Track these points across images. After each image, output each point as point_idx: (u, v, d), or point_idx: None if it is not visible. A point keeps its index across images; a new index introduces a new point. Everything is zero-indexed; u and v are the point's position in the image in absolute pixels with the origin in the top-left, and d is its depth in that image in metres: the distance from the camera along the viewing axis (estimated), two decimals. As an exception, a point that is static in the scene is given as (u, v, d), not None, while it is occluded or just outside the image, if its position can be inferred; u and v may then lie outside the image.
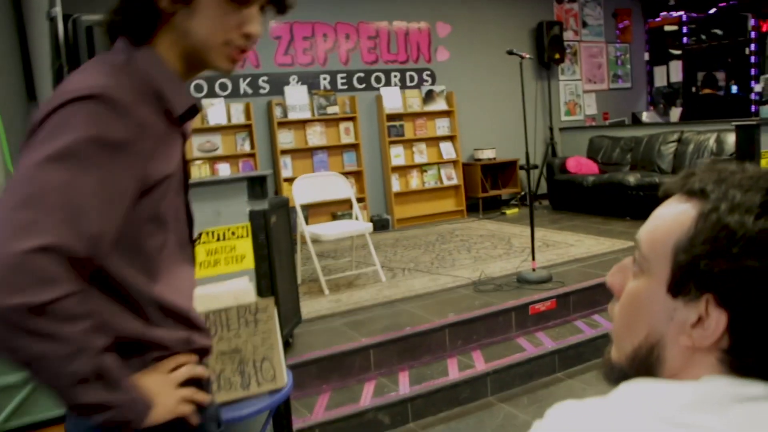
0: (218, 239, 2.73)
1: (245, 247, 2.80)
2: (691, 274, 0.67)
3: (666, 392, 0.66)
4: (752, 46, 9.69)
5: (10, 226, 0.93)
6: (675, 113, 10.13)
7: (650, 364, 0.71)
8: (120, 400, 1.03)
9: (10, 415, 1.64)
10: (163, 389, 1.11)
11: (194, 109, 1.21)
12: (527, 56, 4.97)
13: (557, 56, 9.26)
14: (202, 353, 1.24)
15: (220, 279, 2.64)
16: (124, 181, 1.04)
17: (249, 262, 2.80)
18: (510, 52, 4.95)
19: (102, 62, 1.12)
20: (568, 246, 5.96)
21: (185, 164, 1.27)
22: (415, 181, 8.38)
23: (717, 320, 0.66)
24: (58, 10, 2.41)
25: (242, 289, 2.56)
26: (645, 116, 10.02)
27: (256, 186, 2.85)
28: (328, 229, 5.15)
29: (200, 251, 2.70)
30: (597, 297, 4.63)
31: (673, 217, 0.71)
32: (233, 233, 2.76)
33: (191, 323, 1.22)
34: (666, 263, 0.70)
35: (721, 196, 0.67)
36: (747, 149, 5.04)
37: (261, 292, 2.78)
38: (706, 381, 0.66)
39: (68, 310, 0.95)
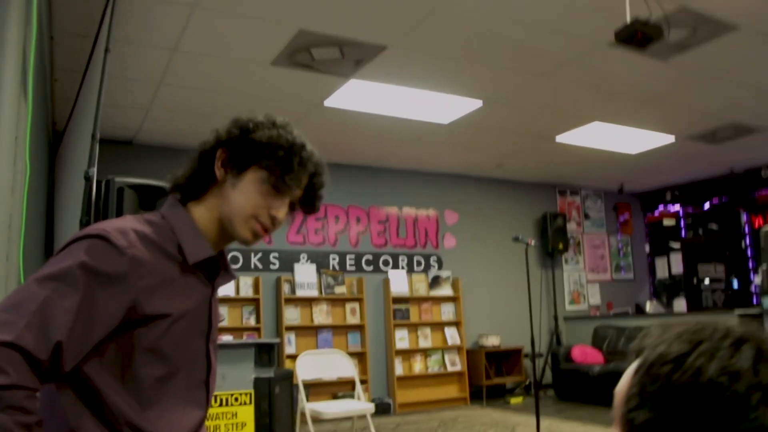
0: (220, 404, 2.70)
1: (247, 414, 2.76)
2: (629, 425, 0.71)
3: None
4: (747, 240, 9.96)
5: None
6: (679, 304, 10.21)
7: None
8: None
9: None
10: None
11: (209, 262, 1.37)
12: (532, 242, 5.15)
13: (561, 246, 9.51)
14: None
15: (219, 447, 2.59)
16: (105, 307, 1.17)
17: (249, 430, 2.75)
18: (516, 239, 5.14)
19: (141, 216, 1.34)
20: (575, 437, 5.78)
21: (211, 313, 1.39)
22: (418, 365, 8.30)
23: None
24: (94, 170, 2.58)
25: (242, 458, 2.51)
26: (649, 307, 10.09)
27: (263, 354, 2.87)
28: (330, 407, 5.05)
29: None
30: (606, 491, 4.43)
31: (626, 374, 0.76)
32: (236, 399, 2.73)
33: None
34: (619, 416, 0.74)
35: (651, 351, 0.72)
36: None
37: (260, 462, 2.70)
38: None
39: (10, 400, 1.04)
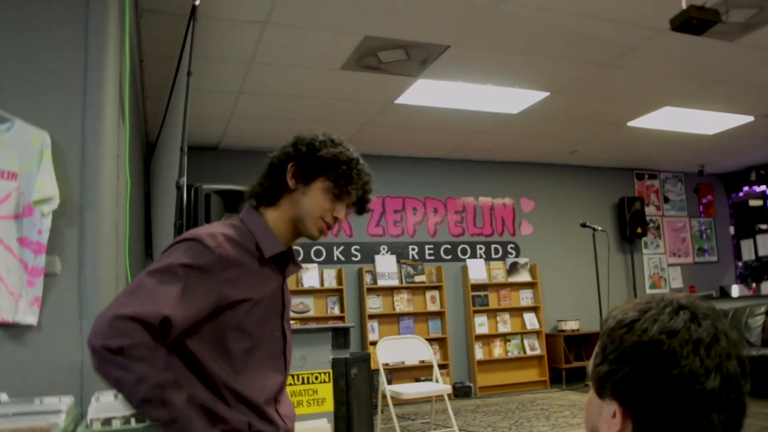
0: (302, 382, 3.04)
1: (326, 391, 3.09)
2: (597, 379, 0.94)
3: None
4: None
5: (115, 304, 1.46)
6: (766, 287, 9.96)
7: None
8: (177, 423, 1.44)
9: None
10: None
11: (282, 256, 1.73)
12: (599, 229, 5.29)
13: (639, 230, 9.48)
14: None
15: (301, 420, 2.92)
16: (198, 292, 1.52)
17: (329, 406, 3.08)
18: (583, 225, 5.29)
19: (226, 222, 1.72)
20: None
21: (284, 297, 1.76)
22: (498, 350, 8.50)
23: (617, 411, 0.91)
24: (184, 180, 2.96)
25: (320, 427, 2.84)
26: (735, 290, 9.90)
27: (339, 336, 3.19)
28: (408, 389, 5.36)
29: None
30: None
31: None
32: (316, 378, 3.07)
33: (260, 413, 1.62)
34: (589, 371, 0.98)
35: (612, 319, 0.95)
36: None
37: (338, 433, 3.02)
38: None
39: (135, 354, 1.40)
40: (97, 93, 2.69)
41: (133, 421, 2.04)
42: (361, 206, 1.80)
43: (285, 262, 1.76)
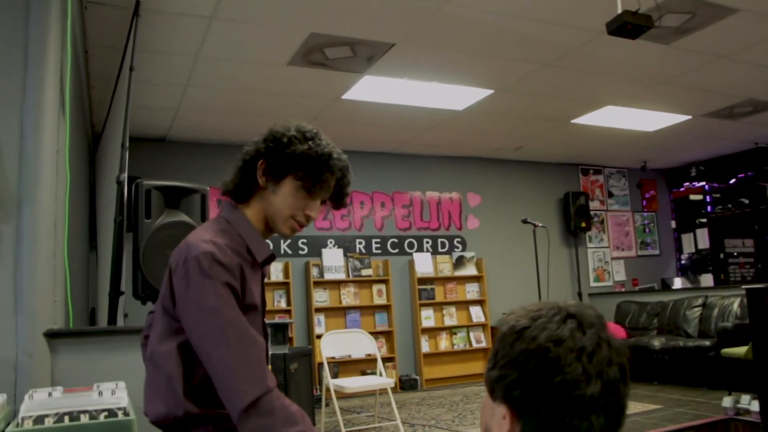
0: (241, 377, 3.07)
1: (265, 386, 3.13)
2: (490, 382, 0.99)
3: None
4: (775, 214, 10.00)
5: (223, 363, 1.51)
6: (706, 279, 10.33)
7: None
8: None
9: None
10: None
11: (271, 257, 1.73)
12: (540, 225, 5.42)
13: (583, 225, 9.72)
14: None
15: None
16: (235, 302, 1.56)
17: (268, 400, 3.12)
18: (524, 221, 5.41)
19: (213, 225, 1.69)
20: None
21: (263, 295, 1.79)
22: (444, 342, 8.64)
23: (506, 414, 0.95)
24: (125, 176, 2.96)
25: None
26: (677, 282, 10.24)
27: (278, 333, 3.24)
28: (351, 383, 5.42)
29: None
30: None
31: None
32: (255, 373, 3.10)
33: None
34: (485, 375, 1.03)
35: (505, 325, 0.99)
36: (755, 311, 5.25)
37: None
38: None
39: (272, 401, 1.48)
40: (37, 86, 2.67)
41: (66, 419, 2.05)
42: (338, 201, 1.78)
43: (267, 263, 1.76)
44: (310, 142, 1.67)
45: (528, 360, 0.93)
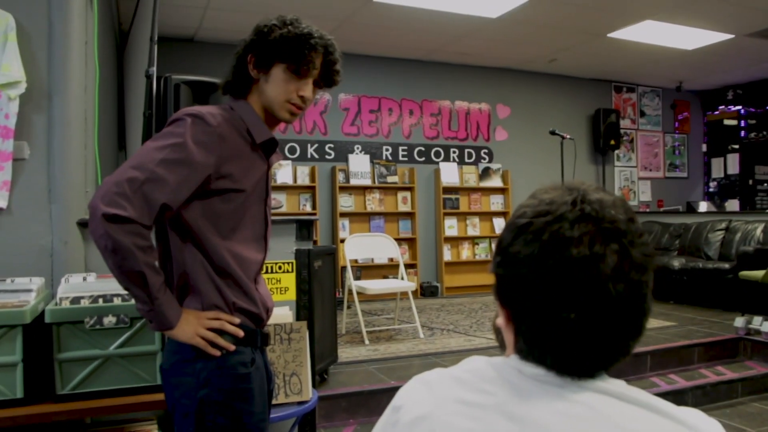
0: (267, 271, 3.17)
1: (289, 280, 3.23)
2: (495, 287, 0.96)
3: (480, 362, 0.96)
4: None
5: (121, 172, 1.53)
6: (731, 205, 10.23)
7: (501, 341, 1.01)
8: (154, 305, 1.57)
9: (82, 381, 2.11)
10: (189, 323, 1.63)
11: (272, 142, 1.79)
12: (568, 137, 5.37)
13: (612, 143, 9.61)
14: (249, 315, 1.74)
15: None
16: (198, 168, 1.59)
17: (291, 294, 3.22)
18: (552, 132, 5.36)
19: (216, 106, 1.75)
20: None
21: (267, 183, 1.84)
22: (466, 252, 8.75)
23: (504, 316, 0.94)
24: (154, 69, 2.98)
25: (282, 314, 2.99)
26: (703, 206, 10.16)
27: (303, 229, 3.30)
28: (374, 284, 5.56)
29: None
30: (623, 368, 4.83)
31: None
32: (280, 267, 3.20)
33: (245, 288, 1.72)
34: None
35: (512, 218, 0.93)
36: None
37: (299, 320, 3.18)
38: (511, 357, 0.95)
39: (129, 228, 1.49)
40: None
41: (101, 300, 2.16)
42: (327, 79, 1.80)
43: (271, 150, 1.81)
44: (289, 27, 1.72)
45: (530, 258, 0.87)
